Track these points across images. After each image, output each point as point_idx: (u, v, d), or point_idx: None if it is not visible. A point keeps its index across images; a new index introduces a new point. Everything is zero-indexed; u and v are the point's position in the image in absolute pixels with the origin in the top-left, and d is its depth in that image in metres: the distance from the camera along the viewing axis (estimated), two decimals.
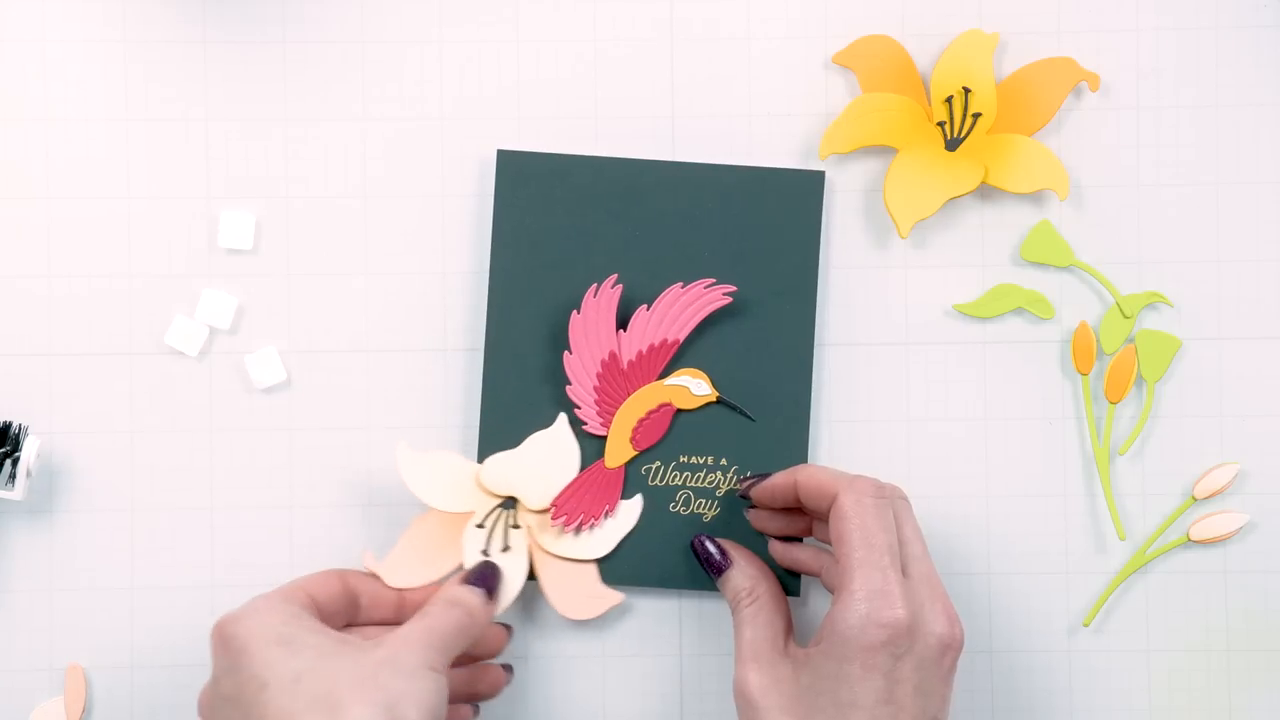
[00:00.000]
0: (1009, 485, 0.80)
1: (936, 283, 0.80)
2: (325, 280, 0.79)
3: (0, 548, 0.78)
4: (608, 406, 0.78)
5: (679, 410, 0.78)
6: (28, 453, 0.76)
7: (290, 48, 0.80)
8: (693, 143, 0.79)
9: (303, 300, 0.79)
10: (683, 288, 0.77)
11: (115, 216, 0.79)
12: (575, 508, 0.77)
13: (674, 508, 0.78)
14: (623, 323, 0.78)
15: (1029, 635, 0.80)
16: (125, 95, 0.79)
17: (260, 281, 0.79)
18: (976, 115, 0.78)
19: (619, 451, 0.78)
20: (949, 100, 0.78)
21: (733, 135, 0.79)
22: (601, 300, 0.77)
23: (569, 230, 0.78)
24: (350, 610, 0.74)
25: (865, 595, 0.68)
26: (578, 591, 0.77)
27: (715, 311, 0.78)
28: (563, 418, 0.77)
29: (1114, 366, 0.79)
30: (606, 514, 0.78)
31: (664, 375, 0.78)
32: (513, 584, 0.76)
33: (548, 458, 0.77)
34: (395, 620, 0.75)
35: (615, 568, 0.78)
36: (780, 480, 0.74)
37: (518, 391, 0.78)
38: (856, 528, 0.69)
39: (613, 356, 0.77)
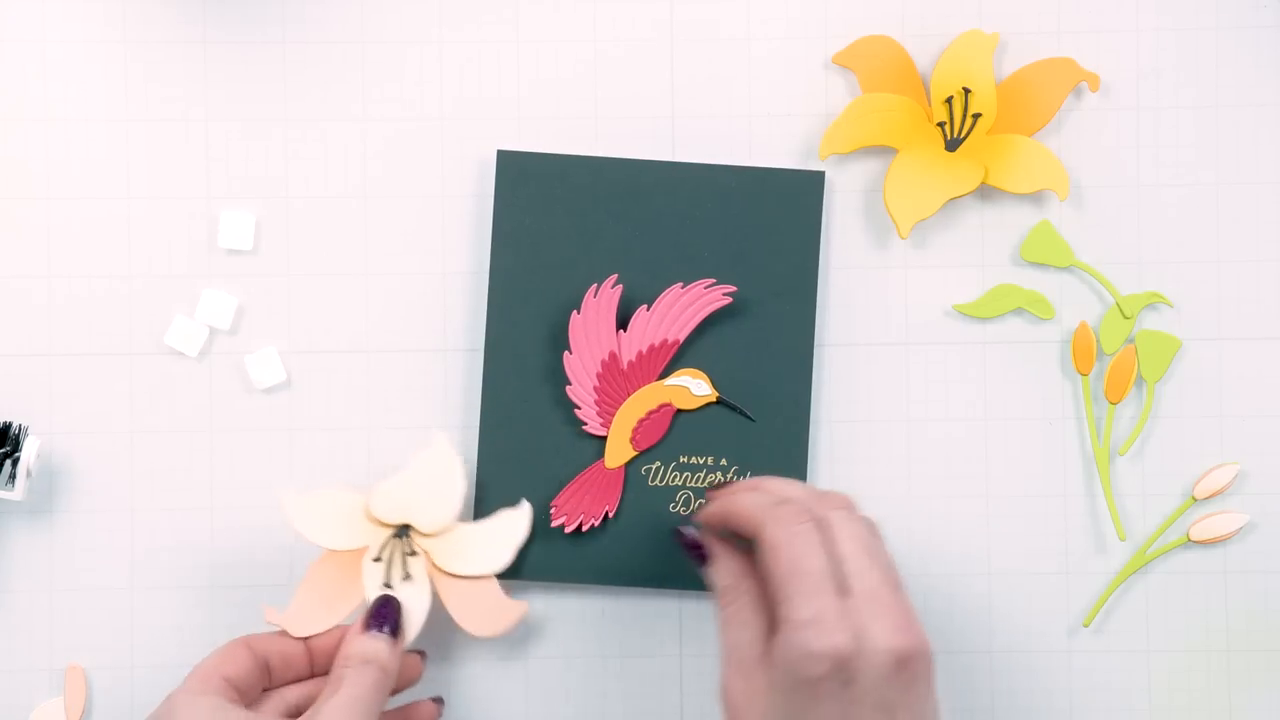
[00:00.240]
0: (1009, 485, 0.80)
1: (936, 283, 0.80)
2: (325, 280, 0.79)
3: (0, 548, 0.78)
4: (608, 407, 0.78)
5: (679, 410, 0.78)
6: (28, 453, 0.76)
7: (290, 48, 0.80)
8: (693, 143, 0.79)
9: (303, 300, 0.79)
10: (683, 288, 0.77)
11: (115, 217, 0.79)
12: (575, 508, 0.77)
13: (674, 508, 0.78)
14: (623, 323, 0.77)
15: (1029, 635, 0.80)
16: (125, 95, 0.79)
17: (260, 281, 0.79)
18: (976, 115, 0.78)
19: (619, 452, 0.78)
20: (949, 100, 0.78)
21: (733, 135, 0.79)
22: (601, 300, 0.77)
23: (569, 230, 0.78)
24: (263, 677, 0.73)
25: (797, 626, 0.65)
26: (482, 607, 0.76)
27: (715, 312, 0.78)
28: (441, 435, 0.76)
29: (1114, 367, 0.79)
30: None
31: (664, 375, 0.78)
32: (417, 612, 0.74)
33: (434, 479, 0.75)
34: (309, 674, 0.74)
35: (615, 569, 0.78)
36: (714, 510, 0.72)
37: (518, 392, 0.78)
38: (785, 559, 0.67)
39: (613, 357, 0.77)
